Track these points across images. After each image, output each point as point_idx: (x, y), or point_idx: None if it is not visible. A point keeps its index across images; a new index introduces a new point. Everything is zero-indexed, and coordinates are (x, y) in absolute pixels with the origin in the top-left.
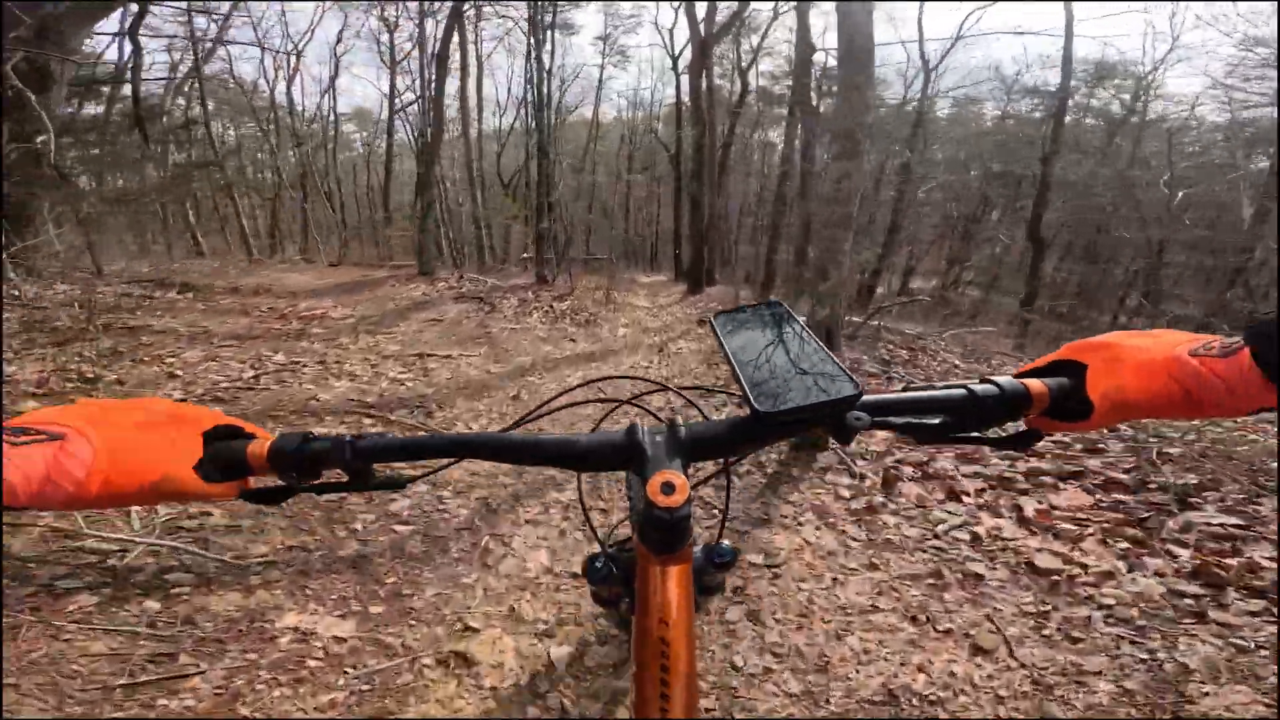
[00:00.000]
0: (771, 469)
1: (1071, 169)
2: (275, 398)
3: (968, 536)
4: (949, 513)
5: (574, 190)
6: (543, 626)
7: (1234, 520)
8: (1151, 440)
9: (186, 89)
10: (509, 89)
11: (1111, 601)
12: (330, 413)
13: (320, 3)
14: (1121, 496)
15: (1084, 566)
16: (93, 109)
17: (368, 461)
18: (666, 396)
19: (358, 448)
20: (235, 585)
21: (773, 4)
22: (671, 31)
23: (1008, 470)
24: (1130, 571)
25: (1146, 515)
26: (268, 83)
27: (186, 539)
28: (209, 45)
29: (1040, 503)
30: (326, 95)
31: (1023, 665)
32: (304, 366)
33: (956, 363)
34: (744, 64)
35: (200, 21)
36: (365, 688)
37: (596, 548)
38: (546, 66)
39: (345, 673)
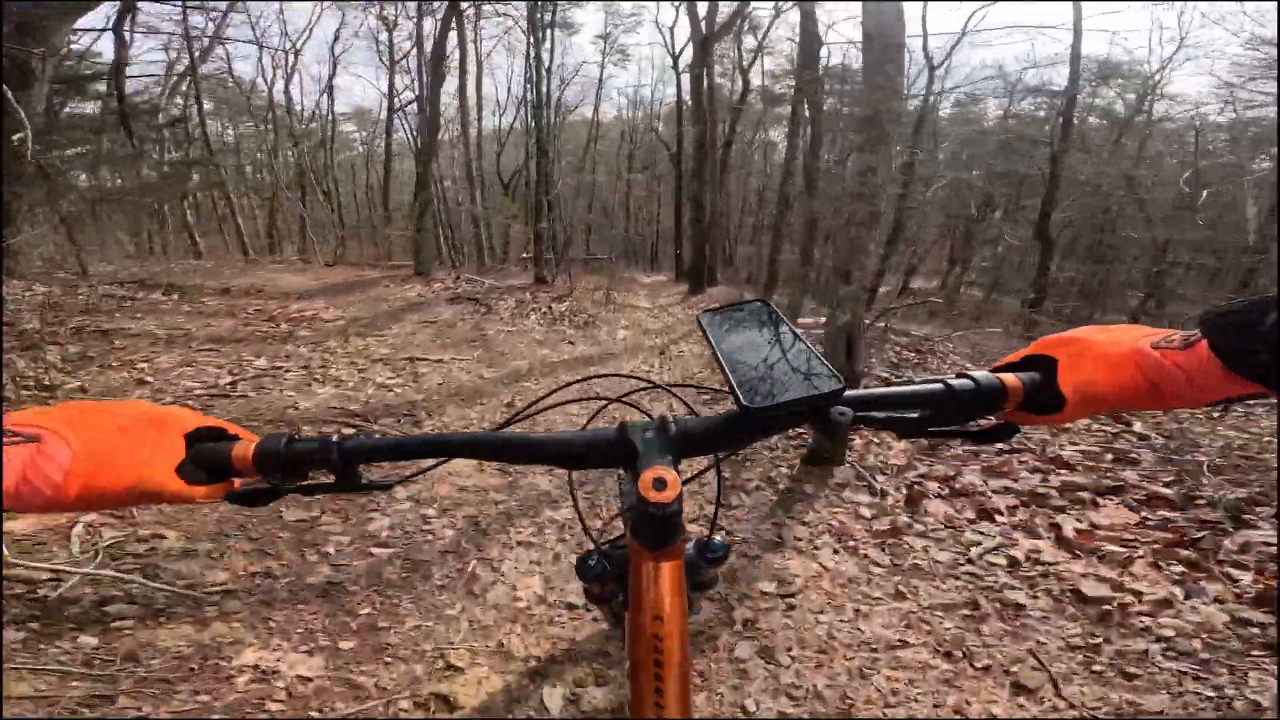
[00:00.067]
0: (783, 485)
1: (1079, 168)
2: (251, 406)
3: (1004, 560)
4: (982, 534)
5: (574, 189)
6: (535, 664)
7: None
8: (1186, 449)
9: (184, 87)
10: (509, 88)
11: (1170, 633)
12: (309, 422)
13: (318, 1)
14: (1168, 514)
15: (1137, 594)
16: (91, 108)
17: (355, 462)
18: (666, 396)
19: (344, 448)
20: (187, 618)
21: (774, 2)
22: (672, 30)
23: (1040, 485)
24: (1188, 598)
25: (1199, 535)
26: (265, 82)
27: (132, 566)
28: (205, 43)
29: (1080, 521)
30: (325, 94)
31: (1071, 705)
32: (286, 372)
33: (966, 365)
34: (745, 62)
35: (197, 19)
36: None
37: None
38: (546, 65)
39: (310, 717)
